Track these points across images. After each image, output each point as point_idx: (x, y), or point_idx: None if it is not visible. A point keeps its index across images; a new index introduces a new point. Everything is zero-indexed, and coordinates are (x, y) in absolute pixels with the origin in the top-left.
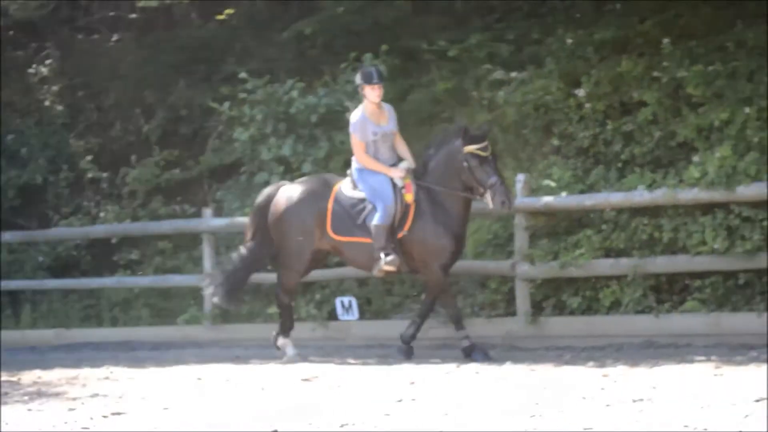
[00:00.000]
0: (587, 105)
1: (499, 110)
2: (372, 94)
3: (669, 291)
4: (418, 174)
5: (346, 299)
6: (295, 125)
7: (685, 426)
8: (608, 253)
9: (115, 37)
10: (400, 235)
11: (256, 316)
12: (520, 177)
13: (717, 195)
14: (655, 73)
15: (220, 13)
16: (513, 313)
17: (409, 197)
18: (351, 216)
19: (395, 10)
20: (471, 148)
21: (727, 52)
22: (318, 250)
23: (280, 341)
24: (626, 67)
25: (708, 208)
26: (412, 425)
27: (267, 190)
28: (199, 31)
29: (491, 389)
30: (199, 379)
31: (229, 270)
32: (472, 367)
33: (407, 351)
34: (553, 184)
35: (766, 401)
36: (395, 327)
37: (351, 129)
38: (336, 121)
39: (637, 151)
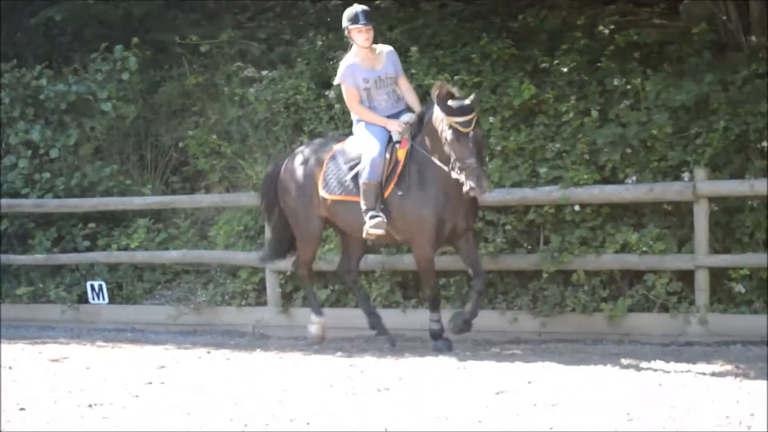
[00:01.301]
0: (336, 106)
1: (250, 107)
2: (359, 37)
3: (415, 288)
4: (414, 129)
5: (96, 283)
6: (44, 111)
7: (420, 412)
8: None
9: None
10: (386, 194)
11: (5, 296)
12: None
13: None
14: None
15: None
16: (263, 303)
17: (402, 153)
18: (344, 173)
19: (148, 3)
20: (451, 120)
21: (472, 63)
22: (325, 216)
23: (312, 320)
24: None
25: None
26: (160, 407)
27: (276, 161)
28: None
29: (240, 375)
30: None
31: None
32: (223, 353)
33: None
34: None
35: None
36: (145, 312)
37: (339, 77)
38: (86, 109)
39: None
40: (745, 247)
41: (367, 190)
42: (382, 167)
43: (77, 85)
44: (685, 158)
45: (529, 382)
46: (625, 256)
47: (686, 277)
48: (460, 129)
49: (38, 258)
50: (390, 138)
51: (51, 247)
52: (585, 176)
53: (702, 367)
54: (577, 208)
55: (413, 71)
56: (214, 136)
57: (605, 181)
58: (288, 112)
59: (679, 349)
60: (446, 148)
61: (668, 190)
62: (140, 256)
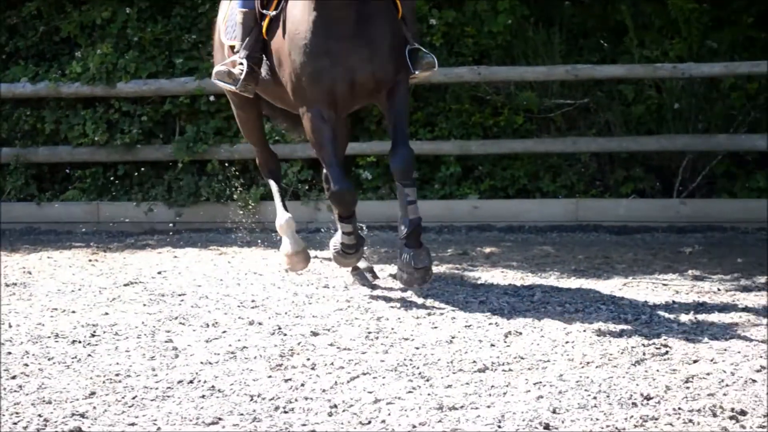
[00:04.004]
0: None
1: None
2: None
3: (51, 180)
4: None
5: None
6: None
7: (46, 306)
8: None
9: None
10: (264, 24)
11: None
12: None
13: (98, 90)
14: None
15: None
16: None
17: None
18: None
19: None
20: None
21: None
22: None
23: None
24: None
25: (89, 101)
26: None
27: None
28: None
29: None
30: None
31: None
32: None
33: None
34: None
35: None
36: None
37: None
38: None
39: (21, 44)
40: (373, 135)
41: (242, 21)
42: None
43: None
44: None
45: (160, 273)
46: None
47: (317, 164)
48: None
49: None
50: None
51: None
52: None
53: (329, 253)
54: (212, 98)
55: None
56: None
57: None
58: None
59: (309, 236)
60: None
61: None
62: None
